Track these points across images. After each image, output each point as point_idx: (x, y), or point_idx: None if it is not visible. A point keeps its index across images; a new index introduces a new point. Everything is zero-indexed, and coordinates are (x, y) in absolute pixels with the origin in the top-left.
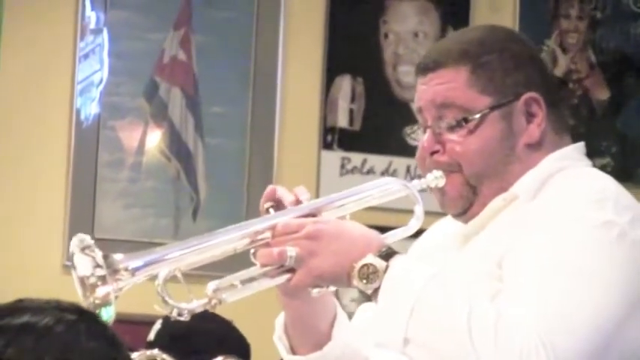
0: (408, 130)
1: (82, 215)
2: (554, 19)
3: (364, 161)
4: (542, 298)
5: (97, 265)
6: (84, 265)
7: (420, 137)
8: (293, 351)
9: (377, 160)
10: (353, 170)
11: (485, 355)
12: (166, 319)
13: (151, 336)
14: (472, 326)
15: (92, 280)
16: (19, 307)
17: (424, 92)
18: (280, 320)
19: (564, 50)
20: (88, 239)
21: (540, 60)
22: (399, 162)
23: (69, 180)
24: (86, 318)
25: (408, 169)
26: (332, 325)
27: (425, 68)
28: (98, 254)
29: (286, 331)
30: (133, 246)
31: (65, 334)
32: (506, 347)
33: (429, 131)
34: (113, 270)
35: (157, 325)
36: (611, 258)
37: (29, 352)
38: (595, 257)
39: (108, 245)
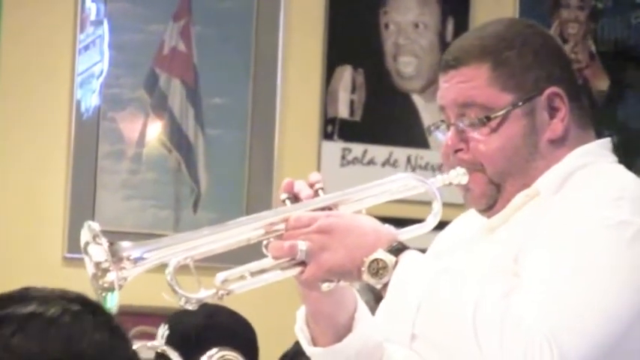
0: (432, 127)
1: (82, 207)
2: (555, 9)
3: (365, 152)
4: (551, 295)
5: (106, 252)
6: (97, 252)
7: (445, 134)
8: (314, 342)
9: (378, 151)
10: (354, 161)
11: (489, 352)
12: (172, 321)
13: (162, 342)
14: (477, 323)
15: (104, 265)
16: (25, 295)
17: (446, 91)
18: (302, 312)
19: (564, 40)
20: (95, 227)
21: (562, 53)
22: (400, 152)
23: (69, 172)
24: (91, 309)
25: (408, 160)
26: (352, 318)
27: (446, 65)
28: (105, 243)
29: (307, 322)
30: (133, 238)
31: (71, 324)
32: (511, 344)
33: (452, 129)
34: (118, 258)
35: (165, 330)
36: (623, 258)
37: (35, 341)
38: (607, 257)
39: (108, 237)
